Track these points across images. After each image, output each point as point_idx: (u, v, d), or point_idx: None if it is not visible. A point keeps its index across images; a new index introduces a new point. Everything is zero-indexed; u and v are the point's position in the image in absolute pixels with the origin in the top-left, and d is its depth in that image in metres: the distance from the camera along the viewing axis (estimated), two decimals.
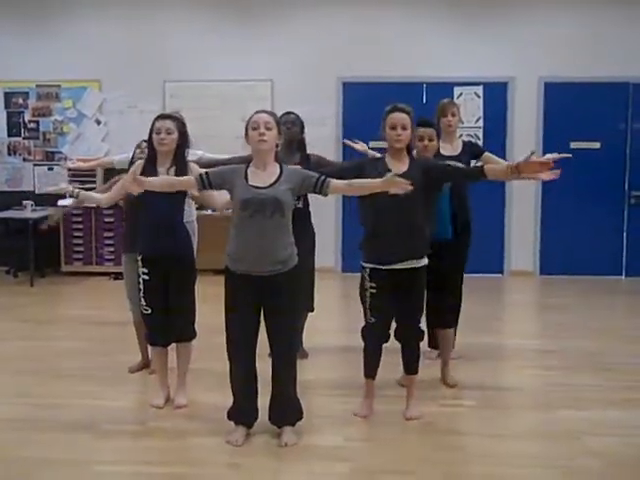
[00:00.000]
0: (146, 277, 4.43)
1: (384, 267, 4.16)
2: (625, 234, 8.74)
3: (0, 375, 5.18)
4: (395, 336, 4.35)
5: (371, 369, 4.33)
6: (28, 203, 8.60)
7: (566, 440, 4.05)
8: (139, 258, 4.45)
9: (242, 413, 4.04)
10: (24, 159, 9.12)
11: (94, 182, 8.58)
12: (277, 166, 3.92)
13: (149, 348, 4.90)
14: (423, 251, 4.20)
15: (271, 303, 3.90)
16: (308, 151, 5.20)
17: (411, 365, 4.35)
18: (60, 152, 9.05)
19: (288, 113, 5.18)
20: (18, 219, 8.41)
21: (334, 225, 8.74)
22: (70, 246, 8.67)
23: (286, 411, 4.03)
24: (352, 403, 4.45)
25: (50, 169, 9.07)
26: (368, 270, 4.22)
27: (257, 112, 3.94)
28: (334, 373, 5.25)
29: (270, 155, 3.91)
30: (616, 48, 8.45)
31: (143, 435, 4.15)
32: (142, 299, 4.47)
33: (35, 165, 9.11)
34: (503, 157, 8.56)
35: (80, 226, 8.64)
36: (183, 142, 4.43)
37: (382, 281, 4.18)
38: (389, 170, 3.94)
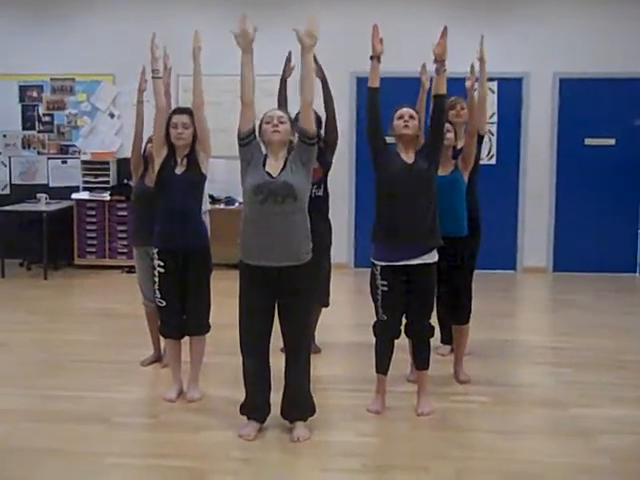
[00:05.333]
0: (162, 270, 4.42)
1: (395, 263, 4.16)
2: (639, 231, 8.69)
3: (12, 366, 5.21)
4: (406, 332, 4.35)
5: (383, 365, 4.33)
6: (42, 196, 8.65)
7: (578, 437, 4.03)
8: (155, 251, 4.44)
9: (255, 408, 4.04)
10: (38, 152, 9.15)
11: (108, 175, 8.64)
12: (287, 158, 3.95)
13: (162, 341, 4.92)
14: (432, 243, 4.20)
15: (285, 299, 3.89)
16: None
17: (422, 361, 4.36)
18: (74, 145, 9.08)
19: None
20: (32, 212, 8.45)
21: (347, 221, 8.73)
22: (83, 239, 8.70)
23: (299, 406, 4.03)
24: (364, 399, 4.45)
25: (64, 162, 9.10)
26: (379, 268, 4.22)
27: (271, 110, 3.99)
28: (346, 369, 5.25)
29: (283, 149, 3.93)
30: (631, 44, 8.40)
31: (155, 428, 4.17)
32: (157, 291, 4.47)
33: (49, 158, 9.14)
34: (516, 156, 8.67)
35: (93, 220, 8.67)
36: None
37: (393, 278, 4.18)
38: None
